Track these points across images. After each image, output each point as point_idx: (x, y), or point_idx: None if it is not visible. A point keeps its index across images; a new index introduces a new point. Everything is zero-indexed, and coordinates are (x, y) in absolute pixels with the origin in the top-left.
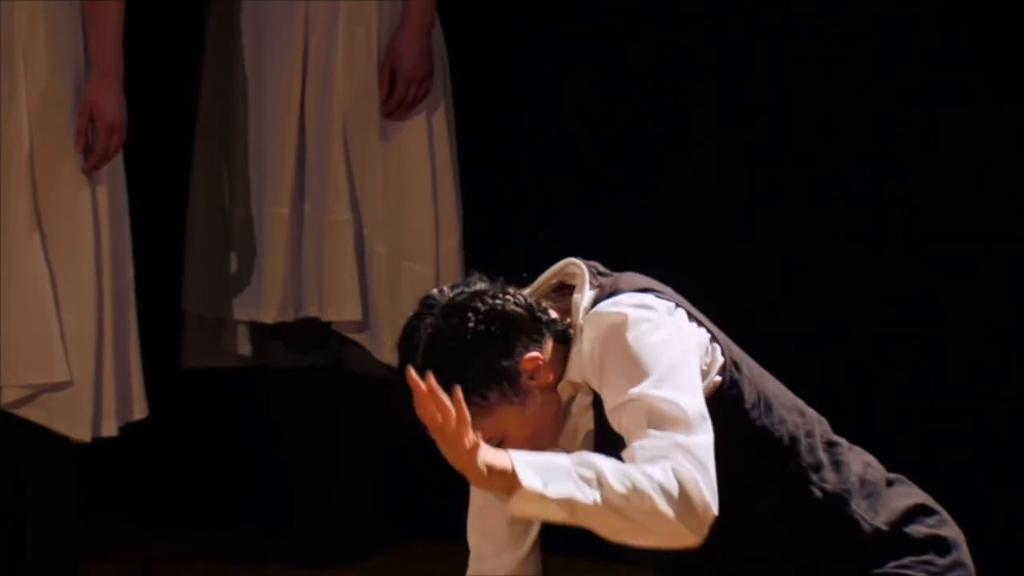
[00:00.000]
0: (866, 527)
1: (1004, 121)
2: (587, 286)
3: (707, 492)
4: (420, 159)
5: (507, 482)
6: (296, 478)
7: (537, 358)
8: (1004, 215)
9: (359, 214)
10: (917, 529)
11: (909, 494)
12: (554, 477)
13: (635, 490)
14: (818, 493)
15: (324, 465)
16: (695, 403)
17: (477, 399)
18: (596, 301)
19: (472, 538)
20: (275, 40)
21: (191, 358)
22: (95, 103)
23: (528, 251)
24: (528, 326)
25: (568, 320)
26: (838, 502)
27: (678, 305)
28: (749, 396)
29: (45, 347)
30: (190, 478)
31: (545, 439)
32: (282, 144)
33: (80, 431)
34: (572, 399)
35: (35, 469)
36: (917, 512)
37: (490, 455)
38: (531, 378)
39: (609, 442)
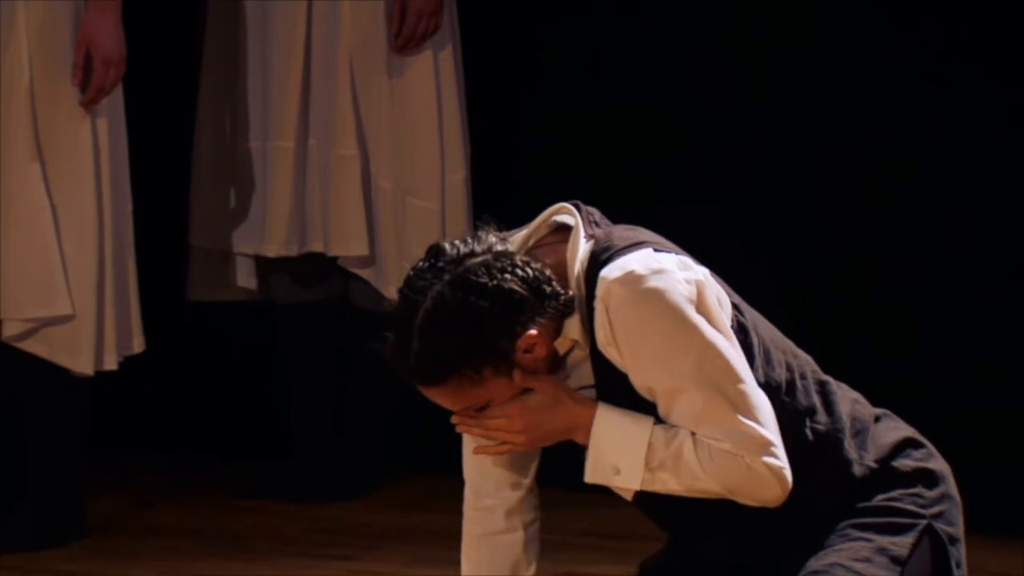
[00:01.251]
0: (856, 467)
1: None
2: (581, 238)
3: (782, 473)
4: (426, 95)
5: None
6: (299, 412)
7: (535, 335)
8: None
9: (365, 149)
10: (905, 463)
11: (896, 428)
12: (628, 460)
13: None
14: (811, 436)
15: (327, 400)
16: (743, 378)
17: (471, 373)
18: (593, 256)
19: (469, 474)
20: None
21: (197, 291)
22: (92, 36)
23: (536, 188)
24: (531, 306)
25: (571, 293)
26: (830, 443)
27: (680, 259)
28: (752, 341)
29: (47, 280)
30: (194, 411)
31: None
32: (288, 78)
33: (83, 364)
34: (569, 352)
35: (37, 401)
36: (905, 446)
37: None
38: (527, 352)
39: (611, 397)
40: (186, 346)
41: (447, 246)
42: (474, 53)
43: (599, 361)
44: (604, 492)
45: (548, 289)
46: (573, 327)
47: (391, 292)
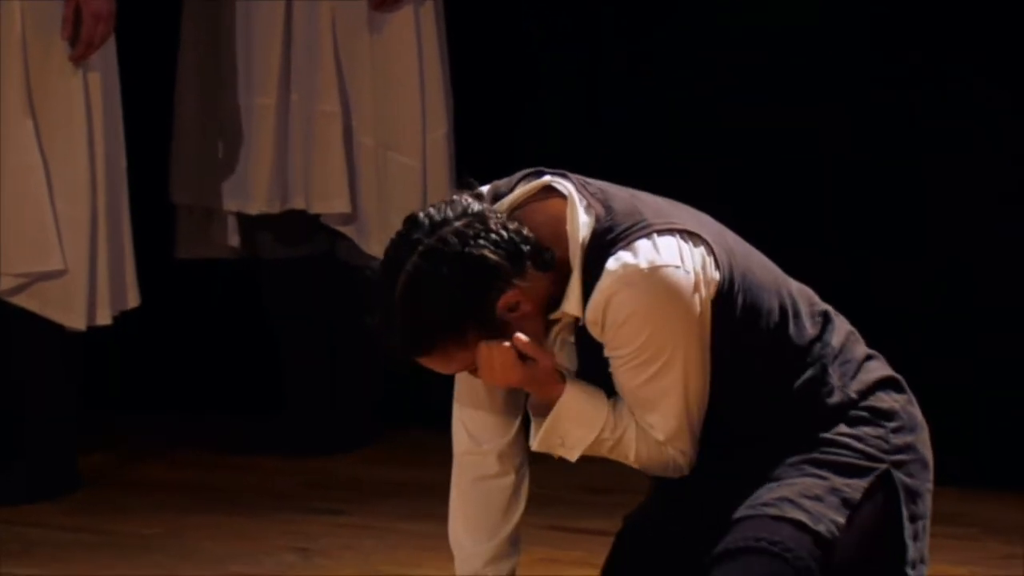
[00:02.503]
0: (836, 393)
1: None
2: (580, 210)
3: (688, 466)
4: (407, 51)
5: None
6: (289, 368)
7: (515, 295)
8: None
9: (347, 106)
10: (882, 401)
11: (883, 369)
12: (576, 440)
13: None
14: (798, 358)
15: (316, 355)
16: (699, 397)
17: (455, 338)
18: (596, 235)
19: (464, 422)
20: None
21: (183, 249)
22: None
23: (517, 145)
24: (506, 269)
25: (552, 250)
26: (815, 365)
27: (683, 233)
28: (738, 302)
29: (39, 236)
30: (184, 367)
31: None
32: (270, 35)
33: (75, 320)
34: (557, 323)
35: (30, 357)
36: (887, 386)
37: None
38: (511, 310)
39: (591, 363)
40: (176, 304)
41: (421, 215)
42: (458, 9)
43: (583, 333)
44: None
45: (527, 248)
46: (572, 303)
47: (373, 248)
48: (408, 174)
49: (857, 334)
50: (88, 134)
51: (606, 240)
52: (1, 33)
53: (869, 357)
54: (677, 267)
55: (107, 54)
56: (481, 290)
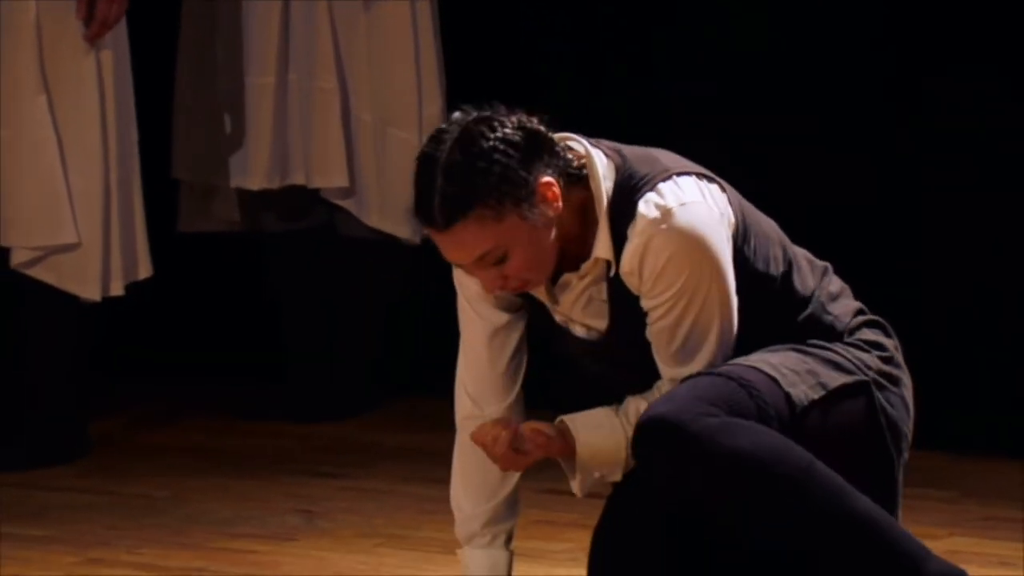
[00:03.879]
0: (834, 325)
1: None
2: (600, 160)
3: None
4: (402, 28)
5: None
6: (292, 337)
7: (552, 183)
8: None
9: (344, 82)
10: (875, 334)
11: (876, 322)
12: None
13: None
14: (800, 300)
15: (317, 323)
16: (724, 340)
17: (493, 204)
18: (621, 181)
19: (469, 386)
20: None
21: (185, 223)
22: None
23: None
24: (548, 148)
25: (583, 162)
26: (817, 308)
27: (699, 175)
28: (753, 245)
29: (54, 210)
30: (190, 337)
31: (541, 268)
32: (267, 15)
33: (90, 291)
34: (589, 269)
35: (43, 326)
36: (879, 328)
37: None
38: (542, 201)
39: (624, 318)
40: (182, 275)
41: (460, 111)
42: None
43: (617, 284)
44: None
45: (560, 150)
46: (603, 246)
47: (373, 220)
48: (405, 148)
49: (849, 290)
50: (101, 110)
51: (629, 186)
52: (16, 12)
53: (861, 310)
54: (703, 202)
55: (119, 33)
56: (528, 159)
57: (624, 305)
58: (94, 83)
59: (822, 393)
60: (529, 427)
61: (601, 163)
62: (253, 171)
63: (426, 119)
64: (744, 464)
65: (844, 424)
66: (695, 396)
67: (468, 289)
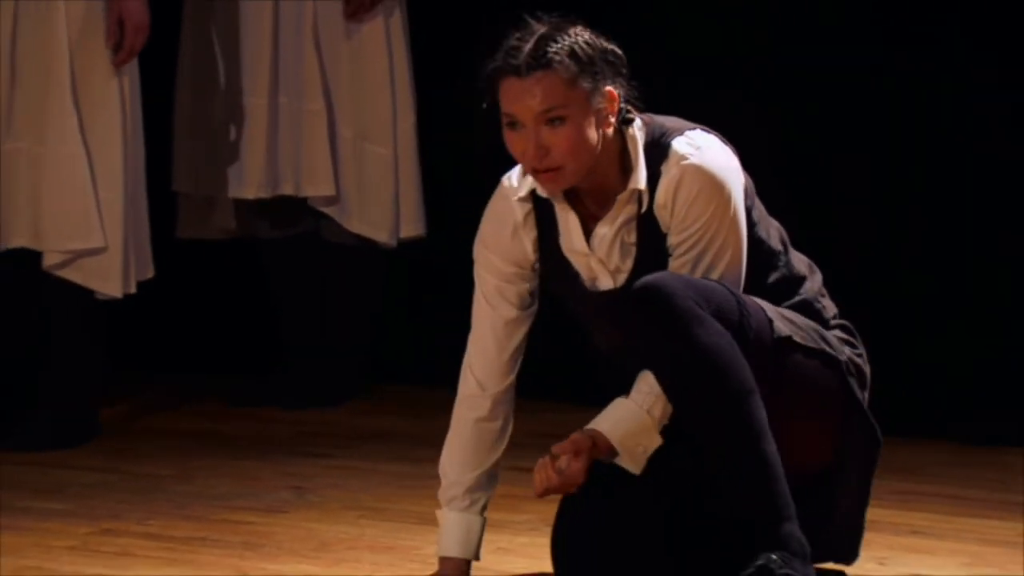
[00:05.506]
0: (822, 315)
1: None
2: (638, 120)
3: None
4: (379, 55)
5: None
6: (287, 331)
7: (616, 97)
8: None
9: (330, 103)
10: (853, 333)
11: (851, 331)
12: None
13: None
14: (794, 294)
15: (309, 319)
16: (738, 272)
17: (571, 72)
18: (652, 130)
19: (466, 370)
20: None
21: (186, 230)
22: (125, 6)
23: (480, 135)
24: (625, 76)
25: (633, 118)
26: (809, 298)
27: (719, 136)
28: (762, 222)
29: (83, 217)
30: (194, 332)
31: (578, 160)
32: (259, 42)
33: (113, 288)
34: (623, 205)
35: (63, 320)
36: (851, 346)
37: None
38: (606, 102)
39: (649, 258)
40: (187, 277)
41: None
42: (420, 17)
43: (648, 220)
44: (553, 399)
45: (630, 85)
46: (640, 179)
47: (354, 226)
48: (381, 161)
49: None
50: (123, 129)
51: (660, 133)
52: (51, 41)
53: (837, 313)
54: (726, 151)
55: (133, 60)
56: (610, 67)
57: (650, 246)
58: (118, 105)
59: (802, 343)
60: (560, 449)
61: (639, 117)
62: (248, 182)
63: (400, 134)
64: (698, 357)
65: (812, 377)
66: (695, 287)
67: (487, 284)
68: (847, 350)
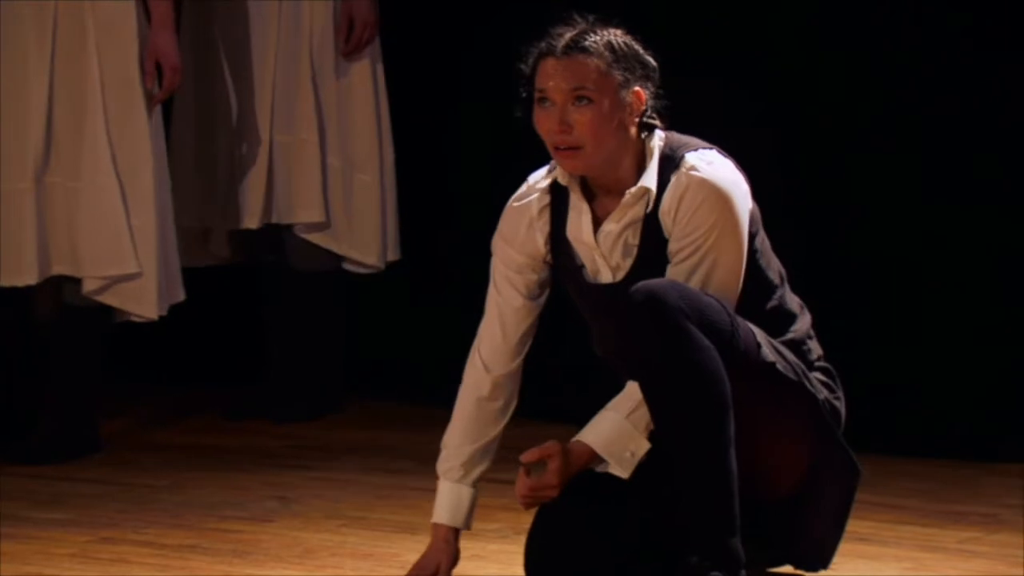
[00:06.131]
0: (810, 355)
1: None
2: (658, 130)
3: None
4: (366, 92)
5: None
6: (271, 351)
7: (643, 97)
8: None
9: (323, 135)
10: (820, 379)
11: (832, 374)
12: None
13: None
14: (785, 330)
15: (291, 340)
16: (733, 289)
17: (607, 62)
18: (670, 141)
19: (474, 352)
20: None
21: (181, 260)
22: (160, 49)
23: (453, 162)
24: (656, 83)
25: (656, 125)
26: (800, 337)
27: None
28: (767, 256)
29: (118, 245)
30: (182, 351)
31: (598, 143)
32: (263, 82)
33: (148, 311)
34: (631, 203)
35: (64, 339)
36: (830, 390)
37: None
38: (633, 99)
39: (648, 260)
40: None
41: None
42: (398, 59)
43: (651, 224)
44: (547, 417)
45: (659, 92)
46: (651, 180)
47: (343, 249)
48: (367, 189)
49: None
50: (153, 160)
51: (677, 145)
52: (83, 78)
53: (821, 355)
54: (737, 173)
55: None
56: (643, 71)
57: (651, 249)
58: (148, 138)
59: (784, 373)
60: (527, 457)
61: (661, 130)
62: (251, 213)
63: (384, 165)
64: (681, 366)
65: (788, 405)
66: (690, 299)
67: (499, 273)
68: (825, 392)
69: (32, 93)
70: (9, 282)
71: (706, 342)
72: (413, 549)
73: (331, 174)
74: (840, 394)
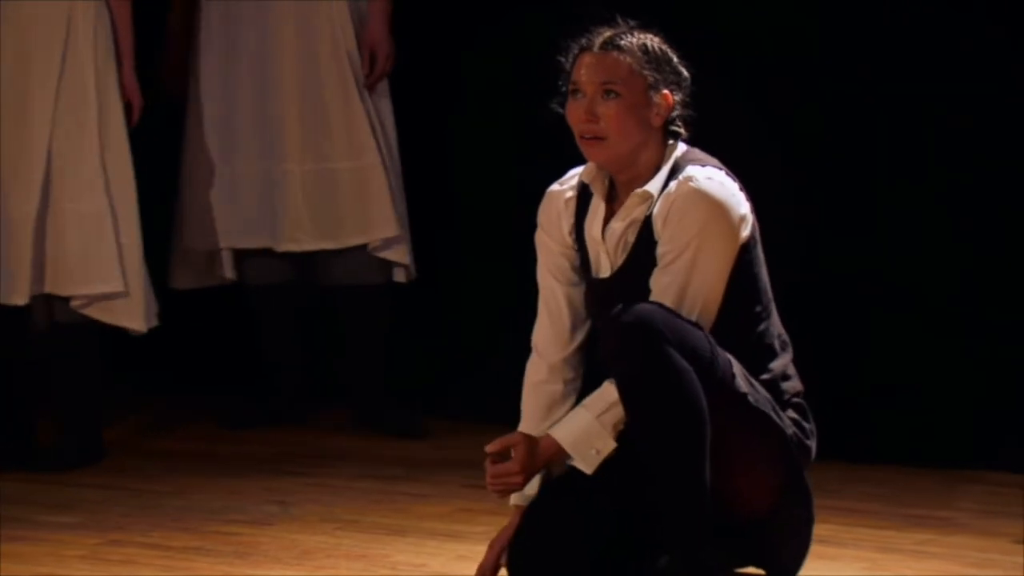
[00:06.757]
0: (789, 387)
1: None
2: (680, 142)
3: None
4: (387, 111)
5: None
6: (269, 364)
7: (671, 101)
8: None
9: (385, 157)
10: (792, 415)
11: (806, 412)
12: (602, 444)
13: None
14: (763, 349)
15: (291, 354)
16: (712, 298)
17: (639, 63)
18: (686, 153)
19: (535, 338)
20: (273, 33)
21: (181, 281)
22: (128, 88)
23: (459, 168)
24: (687, 91)
25: (681, 124)
26: (779, 374)
27: (741, 186)
28: (762, 278)
29: (108, 264)
30: (184, 364)
31: (622, 136)
32: (287, 108)
33: (137, 325)
34: (635, 204)
35: (68, 352)
36: (800, 428)
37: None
38: (661, 100)
39: (638, 259)
40: (181, 315)
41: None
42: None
43: (648, 225)
44: (491, 423)
45: (687, 101)
46: (656, 184)
47: (406, 259)
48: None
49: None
50: (135, 184)
51: (689, 159)
52: (84, 111)
53: (799, 392)
54: (739, 196)
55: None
56: (673, 71)
57: (642, 250)
58: (130, 162)
59: (755, 405)
60: (491, 447)
61: (680, 143)
62: (285, 237)
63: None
64: (661, 388)
65: (756, 435)
66: (675, 328)
67: (540, 261)
68: (793, 427)
69: (36, 111)
70: (2, 301)
71: (686, 365)
72: (403, 550)
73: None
74: (811, 429)
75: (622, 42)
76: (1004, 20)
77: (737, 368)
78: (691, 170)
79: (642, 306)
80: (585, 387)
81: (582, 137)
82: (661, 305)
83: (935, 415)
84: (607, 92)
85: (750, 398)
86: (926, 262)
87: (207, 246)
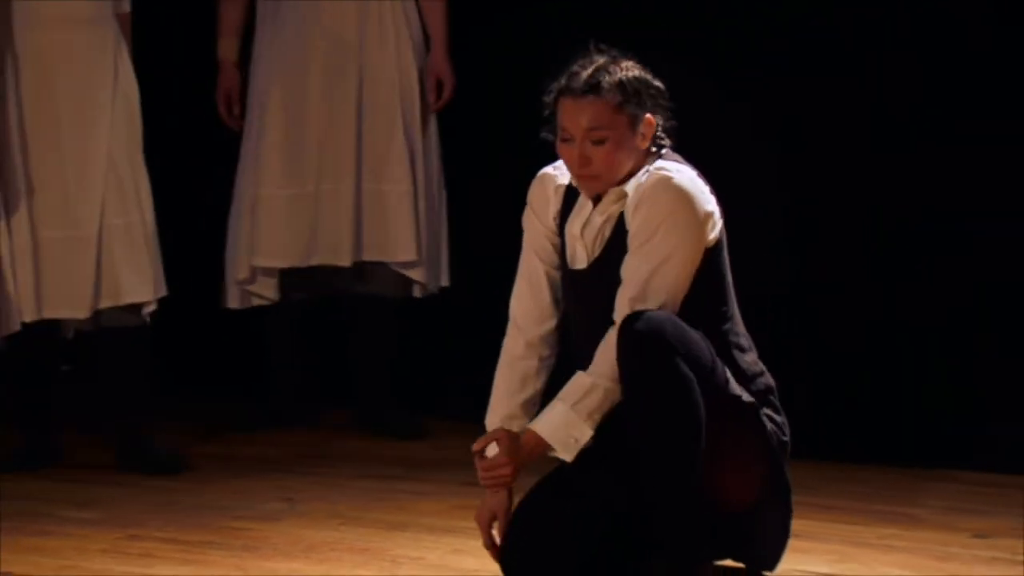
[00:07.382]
0: (758, 383)
1: None
2: (667, 149)
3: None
4: (434, 139)
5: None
6: (278, 374)
7: (654, 125)
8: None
9: (415, 181)
10: (768, 413)
11: (777, 408)
12: (559, 438)
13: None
14: (732, 349)
15: (301, 363)
16: (679, 287)
17: (619, 101)
18: (665, 156)
19: (514, 311)
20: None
21: (234, 301)
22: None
23: (490, 190)
24: (665, 109)
25: (665, 145)
26: (752, 374)
27: (712, 190)
28: (727, 282)
29: (154, 275)
30: (198, 373)
31: (612, 172)
32: (343, 124)
33: (144, 295)
34: (613, 200)
35: (117, 363)
36: (774, 423)
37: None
38: (645, 128)
39: (611, 253)
40: (194, 328)
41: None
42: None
43: (621, 222)
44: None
45: (668, 117)
46: (632, 185)
47: (429, 279)
48: (436, 224)
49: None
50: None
51: (666, 162)
52: (93, 137)
53: (771, 388)
54: (706, 195)
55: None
56: (654, 101)
57: (616, 244)
58: (146, 175)
59: (750, 409)
60: (478, 444)
61: (668, 151)
62: (342, 252)
63: (441, 196)
64: (663, 395)
65: (746, 433)
66: (682, 335)
67: (525, 239)
68: (771, 424)
69: (99, 132)
70: (61, 315)
71: (691, 374)
72: (404, 545)
73: (421, 216)
74: (784, 423)
75: (601, 83)
76: (1013, 20)
77: (729, 373)
78: (663, 164)
79: (654, 315)
80: (560, 375)
81: (579, 176)
82: (670, 316)
83: (903, 418)
84: (595, 140)
85: (743, 400)
86: (896, 267)
87: (280, 264)
